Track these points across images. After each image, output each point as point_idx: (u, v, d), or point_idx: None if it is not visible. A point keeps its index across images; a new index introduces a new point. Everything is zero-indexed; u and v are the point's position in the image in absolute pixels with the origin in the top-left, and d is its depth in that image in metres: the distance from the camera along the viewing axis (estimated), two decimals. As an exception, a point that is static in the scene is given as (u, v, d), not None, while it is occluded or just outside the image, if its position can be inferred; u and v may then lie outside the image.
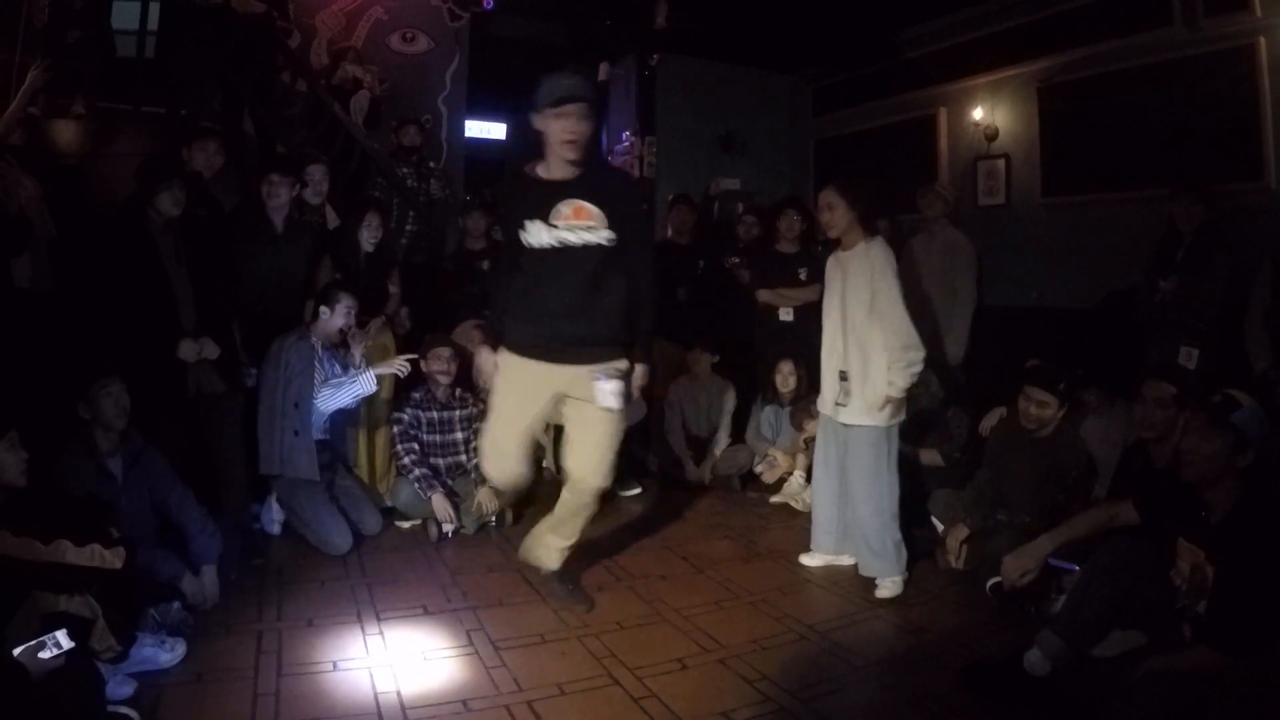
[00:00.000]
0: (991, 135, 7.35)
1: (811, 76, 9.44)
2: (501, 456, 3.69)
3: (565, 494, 3.73)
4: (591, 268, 3.47)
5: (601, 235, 3.44)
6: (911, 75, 8.10)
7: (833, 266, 4.26)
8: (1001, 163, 7.29)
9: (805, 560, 4.44)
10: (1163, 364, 4.39)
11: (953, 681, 3.13)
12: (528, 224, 3.44)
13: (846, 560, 4.34)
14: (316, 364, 4.61)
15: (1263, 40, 5.49)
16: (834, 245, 4.29)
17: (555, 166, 3.47)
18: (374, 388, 4.69)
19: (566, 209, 3.42)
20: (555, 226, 3.42)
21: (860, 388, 4.04)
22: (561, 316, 3.50)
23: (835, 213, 4.09)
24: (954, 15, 7.44)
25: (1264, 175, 5.48)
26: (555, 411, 3.68)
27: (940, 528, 4.47)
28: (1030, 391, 4.19)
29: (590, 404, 3.52)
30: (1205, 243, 4.68)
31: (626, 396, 3.58)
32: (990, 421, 4.62)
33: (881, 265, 3.99)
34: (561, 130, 3.33)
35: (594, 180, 3.51)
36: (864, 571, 4.14)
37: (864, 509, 4.08)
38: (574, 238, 3.43)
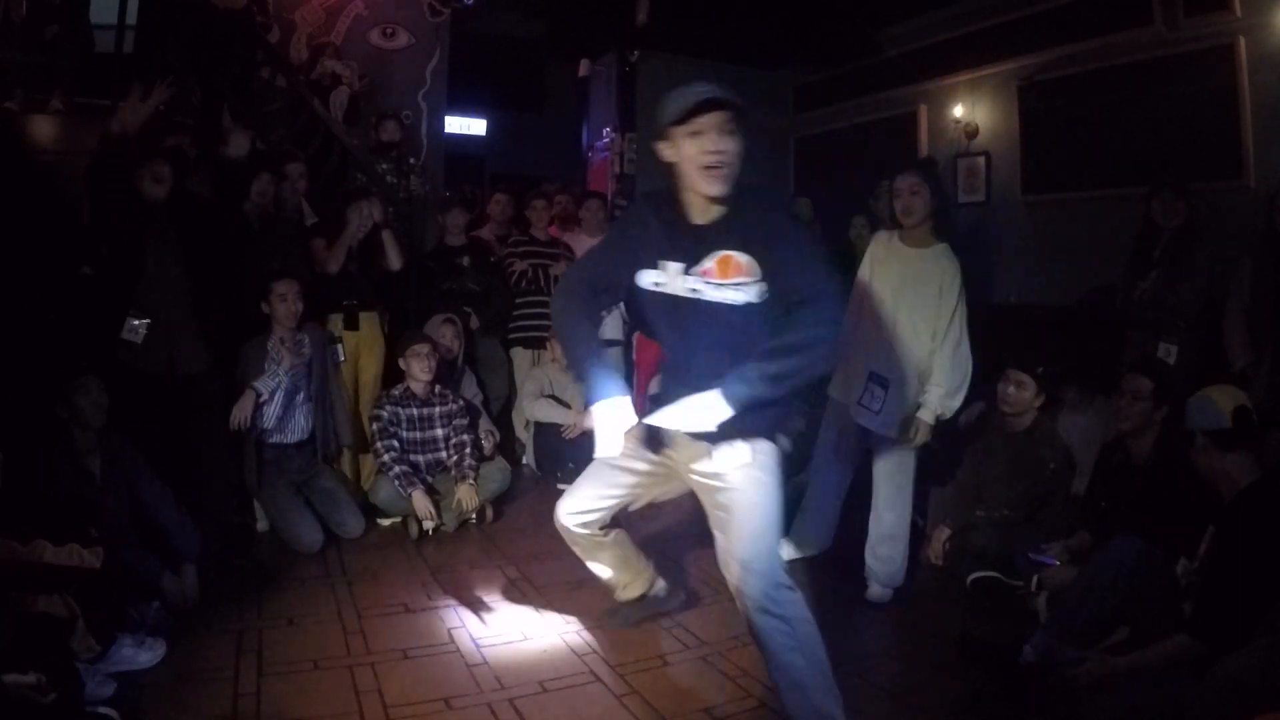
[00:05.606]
0: (972, 133, 7.38)
1: (792, 74, 9.46)
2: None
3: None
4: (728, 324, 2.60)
5: (751, 291, 2.52)
6: (892, 73, 8.14)
7: (885, 253, 3.91)
8: (982, 160, 7.33)
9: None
10: (1144, 358, 4.43)
11: (932, 674, 3.17)
12: (663, 263, 2.64)
13: (808, 552, 4.31)
14: (269, 368, 4.54)
15: (1242, 40, 5.54)
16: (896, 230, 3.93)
17: (695, 206, 2.60)
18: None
19: (710, 263, 2.55)
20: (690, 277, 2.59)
21: (898, 400, 3.72)
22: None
23: (919, 198, 3.77)
24: (935, 13, 7.50)
25: (1243, 174, 5.53)
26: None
27: (920, 523, 4.48)
28: (1010, 373, 4.23)
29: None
30: (1184, 240, 4.70)
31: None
32: (970, 416, 4.63)
33: (953, 277, 3.75)
34: (699, 153, 2.46)
35: (746, 219, 2.55)
36: (868, 575, 3.98)
37: (888, 516, 3.93)
38: (713, 294, 2.56)
